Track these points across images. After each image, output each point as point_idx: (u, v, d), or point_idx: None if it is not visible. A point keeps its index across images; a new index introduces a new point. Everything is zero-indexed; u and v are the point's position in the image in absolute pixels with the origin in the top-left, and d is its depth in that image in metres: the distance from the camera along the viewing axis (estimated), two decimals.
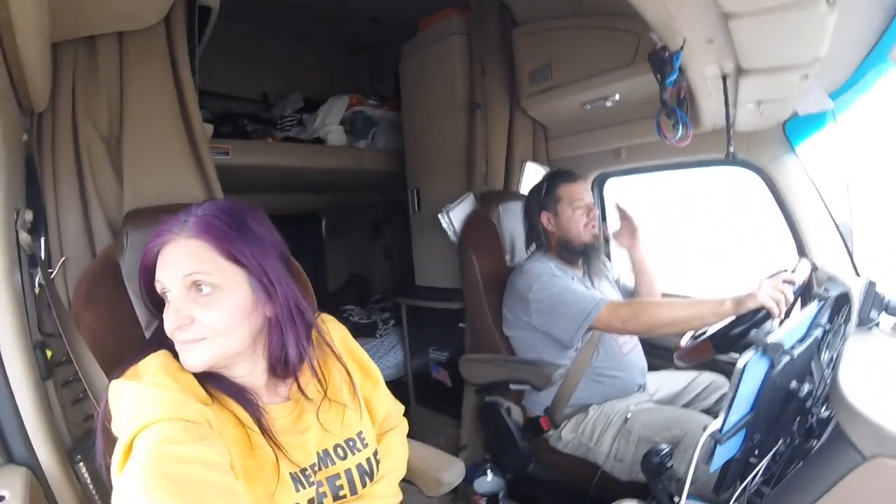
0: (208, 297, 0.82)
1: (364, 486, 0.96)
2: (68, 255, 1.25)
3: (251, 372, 0.92)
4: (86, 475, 1.11)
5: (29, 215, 1.14)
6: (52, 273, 1.21)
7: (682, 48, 1.19)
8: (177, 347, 0.83)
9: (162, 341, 0.87)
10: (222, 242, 0.84)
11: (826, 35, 1.00)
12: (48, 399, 1.13)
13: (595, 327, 1.60)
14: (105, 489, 1.09)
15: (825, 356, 1.08)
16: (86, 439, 1.14)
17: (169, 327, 0.82)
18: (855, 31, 1.12)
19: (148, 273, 0.87)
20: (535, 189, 1.90)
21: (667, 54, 1.26)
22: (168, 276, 0.83)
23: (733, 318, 1.32)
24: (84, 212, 1.29)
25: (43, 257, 1.22)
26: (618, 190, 2.38)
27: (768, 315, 1.24)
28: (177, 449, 0.70)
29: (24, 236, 1.07)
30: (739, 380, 0.74)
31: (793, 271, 1.35)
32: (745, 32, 1.02)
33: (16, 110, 1.12)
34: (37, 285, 1.15)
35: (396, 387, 2.81)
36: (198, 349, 0.83)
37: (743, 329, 1.27)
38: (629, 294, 2.00)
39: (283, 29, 3.00)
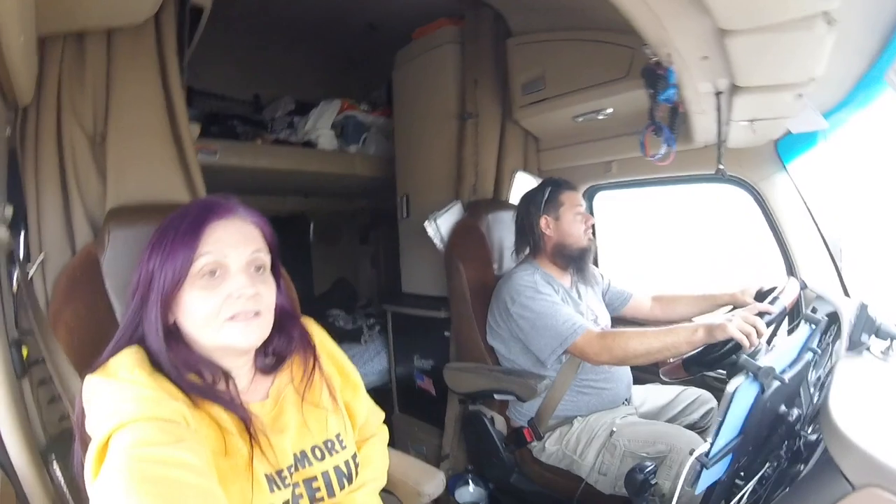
0: (263, 276, 0.89)
1: (342, 488, 0.95)
2: (47, 252, 1.23)
3: (247, 363, 0.93)
4: (60, 476, 1.09)
5: (9, 211, 1.12)
6: (30, 270, 1.19)
7: (676, 65, 1.20)
8: (221, 325, 0.83)
9: (134, 335, 0.85)
10: (267, 234, 0.92)
11: (823, 55, 1.00)
12: (23, 398, 1.11)
13: (570, 353, 1.61)
14: (79, 491, 1.07)
15: (812, 375, 1.09)
16: (61, 440, 1.11)
17: (243, 294, 0.84)
18: (851, 51, 1.12)
19: (190, 237, 0.84)
20: (535, 193, 1.90)
21: (661, 70, 1.26)
22: (232, 252, 0.85)
23: (706, 345, 1.34)
24: (65, 208, 1.27)
25: (22, 253, 1.20)
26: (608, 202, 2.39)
27: (738, 346, 1.26)
28: (156, 451, 0.68)
29: (3, 231, 1.05)
30: (729, 405, 0.74)
31: (781, 291, 1.36)
32: (742, 50, 1.02)
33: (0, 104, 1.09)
34: (15, 282, 1.13)
35: (380, 394, 2.76)
36: (256, 323, 0.86)
37: (714, 356, 1.30)
38: (625, 299, 2.00)
39: (278, 32, 2.98)
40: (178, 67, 1.44)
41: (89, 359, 0.85)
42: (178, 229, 0.84)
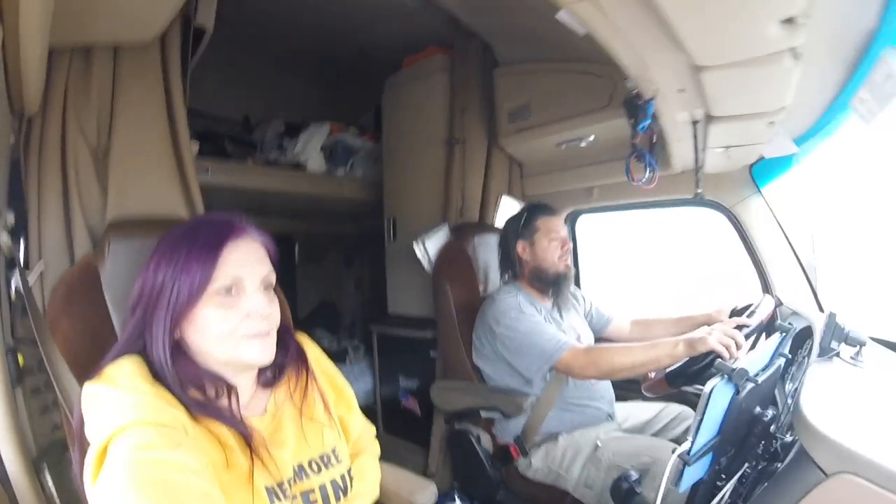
0: (271, 295, 0.91)
1: (338, 501, 0.96)
2: (47, 261, 1.24)
3: (251, 378, 0.94)
4: (51, 485, 1.09)
5: (10, 218, 1.14)
6: (29, 278, 1.19)
7: (655, 97, 1.29)
8: (238, 342, 0.85)
9: (135, 346, 0.86)
10: (272, 253, 0.95)
11: (791, 86, 1.09)
12: (17, 406, 1.10)
13: (556, 369, 1.65)
14: (70, 500, 1.07)
15: (789, 387, 1.15)
16: (52, 449, 1.12)
17: (260, 313, 0.86)
18: (818, 82, 1.21)
19: (208, 255, 0.85)
20: (514, 218, 1.96)
21: (640, 101, 1.35)
22: (249, 271, 0.87)
23: (687, 358, 1.40)
24: (66, 218, 1.28)
25: (22, 261, 1.20)
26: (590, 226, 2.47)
27: (719, 357, 1.32)
28: (157, 454, 0.69)
29: (5, 237, 1.07)
30: (706, 404, 0.80)
31: (756, 307, 1.44)
32: (716, 83, 1.10)
33: (6, 112, 1.12)
34: (13, 289, 1.14)
35: (365, 414, 2.74)
36: (269, 341, 0.89)
37: (696, 369, 1.36)
38: (605, 322, 2.05)
39: (269, 54, 3.02)
40: (181, 86, 1.47)
41: (86, 367, 0.86)
42: (195, 245, 0.85)
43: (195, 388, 0.86)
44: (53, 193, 1.27)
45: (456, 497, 1.83)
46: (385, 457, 2.51)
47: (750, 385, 0.87)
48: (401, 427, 2.57)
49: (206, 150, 2.41)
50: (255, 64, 3.07)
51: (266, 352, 0.88)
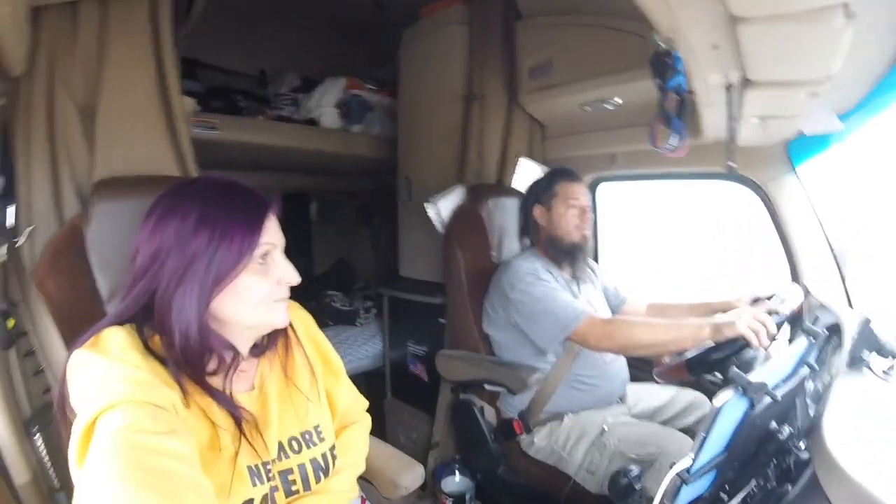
0: None
1: (318, 481, 0.94)
2: (36, 224, 1.22)
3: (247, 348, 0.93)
4: (41, 448, 1.11)
5: (0, 181, 1.14)
6: (18, 241, 1.19)
7: (685, 53, 1.14)
8: (270, 306, 0.88)
9: (129, 316, 0.82)
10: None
11: (839, 51, 0.94)
12: (8, 369, 1.13)
13: (572, 339, 1.58)
14: (61, 464, 1.08)
15: (810, 387, 1.04)
16: (44, 411, 1.13)
17: (292, 279, 0.89)
18: (870, 52, 1.06)
19: (255, 224, 0.85)
20: (536, 182, 1.89)
21: (669, 58, 1.20)
22: (278, 239, 0.89)
23: (712, 344, 1.30)
24: (54, 180, 1.26)
25: (12, 225, 1.22)
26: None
27: (747, 344, 1.21)
28: (150, 439, 0.66)
29: None
30: (714, 421, 0.70)
31: (783, 297, 1.32)
32: (754, 40, 0.95)
33: None
34: (3, 253, 1.16)
35: (373, 378, 2.78)
36: (287, 304, 0.92)
37: (719, 357, 1.26)
38: (620, 302, 1.97)
39: (285, 7, 2.94)
40: (171, 40, 1.41)
41: (72, 331, 0.85)
42: (235, 212, 0.84)
43: (199, 362, 0.83)
44: (41, 156, 1.25)
45: (456, 470, 1.81)
46: (392, 423, 2.57)
47: (767, 400, 0.77)
48: (408, 393, 2.57)
49: (218, 106, 2.36)
50: (270, 17, 3.00)
51: (287, 315, 0.91)
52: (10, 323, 1.17)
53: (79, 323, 0.88)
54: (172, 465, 0.65)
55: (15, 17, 1.00)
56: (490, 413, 1.82)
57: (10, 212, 1.25)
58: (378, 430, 1.24)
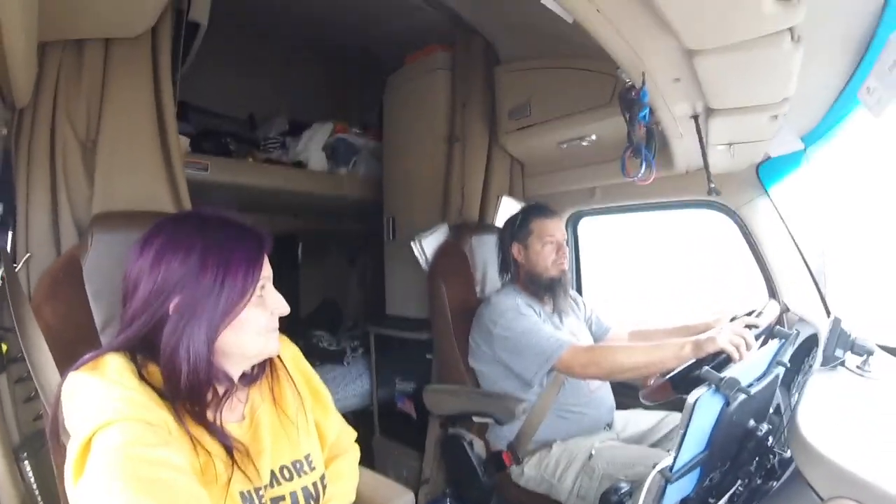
0: None
1: None
2: (33, 252, 1.25)
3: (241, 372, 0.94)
4: (30, 474, 1.09)
5: None
6: (16, 267, 1.20)
7: (645, 85, 1.22)
8: (267, 336, 0.91)
9: (128, 347, 0.83)
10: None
11: (793, 73, 1.01)
12: None
13: (556, 369, 1.60)
14: (50, 490, 1.07)
15: (793, 398, 1.08)
16: (34, 439, 1.12)
17: (284, 309, 0.92)
18: (823, 72, 1.14)
19: (257, 258, 0.89)
20: (511, 220, 1.92)
21: (635, 93, 1.28)
22: (268, 272, 0.91)
23: (693, 360, 1.33)
24: (53, 210, 1.29)
25: (8, 251, 1.22)
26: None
27: (729, 359, 1.25)
28: (148, 451, 0.67)
29: None
30: (690, 416, 0.73)
31: (760, 312, 1.36)
32: (711, 71, 1.03)
33: None
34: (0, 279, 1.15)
35: (361, 417, 2.73)
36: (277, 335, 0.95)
37: (703, 372, 1.27)
38: (604, 331, 1.99)
39: (275, 53, 3.04)
40: (171, 80, 1.47)
41: (67, 358, 0.86)
42: (239, 246, 0.87)
43: (202, 394, 0.84)
44: (42, 185, 1.28)
45: (448, 503, 1.78)
46: (381, 461, 2.52)
47: (741, 396, 0.80)
48: (397, 430, 2.53)
49: (208, 148, 2.41)
50: (259, 62, 3.07)
51: (278, 343, 0.95)
52: (3, 348, 1.17)
53: (74, 349, 0.88)
54: (168, 475, 0.66)
55: (27, 51, 1.04)
56: (479, 446, 1.81)
57: (8, 238, 1.25)
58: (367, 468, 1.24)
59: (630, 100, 1.29)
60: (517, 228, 1.87)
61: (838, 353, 1.06)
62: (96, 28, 1.31)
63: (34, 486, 1.06)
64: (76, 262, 1.17)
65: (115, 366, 0.77)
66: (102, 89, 1.35)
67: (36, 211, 1.26)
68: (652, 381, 1.61)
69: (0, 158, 1.22)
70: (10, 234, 1.23)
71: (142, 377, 0.80)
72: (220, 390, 0.88)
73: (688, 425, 0.74)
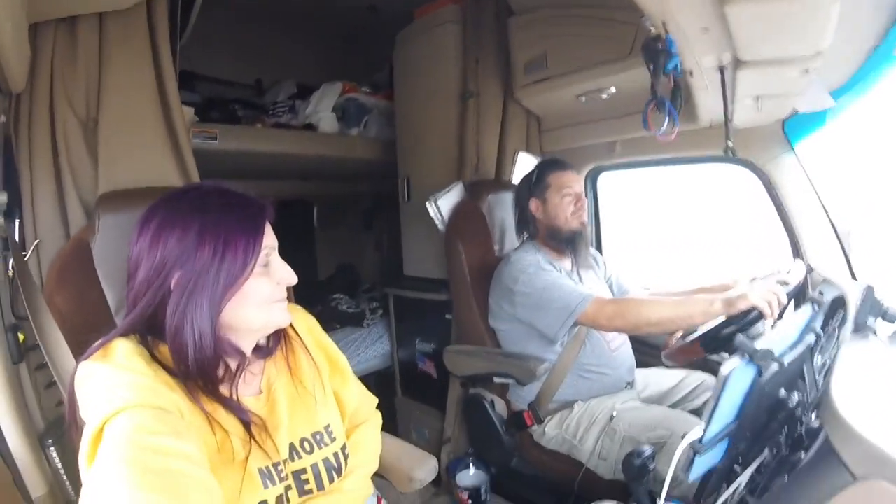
0: None
1: (331, 481, 0.95)
2: (42, 238, 1.24)
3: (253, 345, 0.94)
4: (57, 460, 1.11)
5: (3, 197, 1.13)
6: (25, 256, 1.20)
7: (676, 37, 1.15)
8: (271, 307, 0.89)
9: (136, 328, 0.83)
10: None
11: (828, 27, 0.94)
12: (20, 383, 1.12)
13: (581, 323, 1.58)
14: (76, 476, 1.08)
15: (818, 361, 1.05)
16: (58, 424, 1.14)
17: (291, 279, 0.91)
18: (859, 27, 1.07)
19: (257, 229, 0.87)
20: (527, 176, 1.89)
21: (661, 44, 1.21)
22: (272, 241, 0.89)
23: (723, 318, 1.29)
24: (59, 194, 1.28)
25: (17, 240, 1.21)
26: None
27: (760, 316, 1.22)
28: (157, 440, 0.67)
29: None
30: (722, 389, 0.71)
31: (787, 272, 1.32)
32: (743, 20, 0.96)
33: None
34: (10, 268, 1.14)
35: (383, 378, 2.79)
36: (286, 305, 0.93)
37: (733, 330, 1.24)
38: (624, 292, 1.97)
39: (279, 15, 2.95)
40: (170, 51, 1.42)
41: (81, 344, 0.85)
42: (236, 219, 0.84)
43: (212, 371, 0.84)
44: (46, 170, 1.27)
45: (470, 463, 1.82)
46: (403, 421, 2.58)
47: (775, 367, 0.78)
48: (418, 391, 2.58)
49: (216, 117, 2.38)
50: (264, 26, 3.00)
51: (288, 314, 0.93)
52: (20, 337, 1.18)
53: (88, 335, 0.88)
54: (178, 465, 0.66)
55: (16, 34, 1.00)
56: (500, 406, 1.83)
57: (16, 226, 1.25)
58: (390, 429, 1.25)
59: (656, 50, 1.21)
60: (534, 183, 1.83)
61: (870, 321, 1.02)
62: (87, 2, 1.25)
63: (62, 472, 1.08)
64: (85, 246, 1.17)
65: (124, 350, 0.77)
66: (100, 66, 1.31)
67: (42, 196, 1.25)
68: (674, 341, 1.60)
69: (1, 146, 1.20)
70: (17, 222, 1.22)
71: (154, 358, 0.80)
72: (233, 365, 0.88)
73: (720, 396, 0.72)
